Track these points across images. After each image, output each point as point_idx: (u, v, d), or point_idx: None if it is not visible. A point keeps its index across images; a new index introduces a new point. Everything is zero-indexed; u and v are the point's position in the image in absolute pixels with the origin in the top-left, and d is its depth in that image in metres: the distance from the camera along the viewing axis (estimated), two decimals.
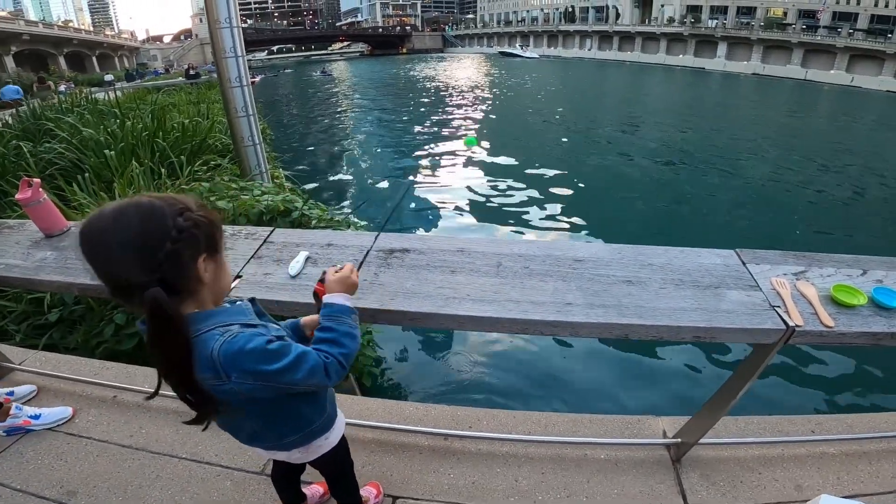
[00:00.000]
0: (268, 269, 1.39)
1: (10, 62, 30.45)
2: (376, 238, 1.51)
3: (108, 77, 30.82)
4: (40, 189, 1.67)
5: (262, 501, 1.54)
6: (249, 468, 1.65)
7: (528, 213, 8.54)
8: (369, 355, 2.96)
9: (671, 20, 51.22)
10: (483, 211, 8.66)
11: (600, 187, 10.18)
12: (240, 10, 4.94)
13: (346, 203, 9.46)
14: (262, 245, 1.51)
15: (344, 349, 0.95)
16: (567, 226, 7.89)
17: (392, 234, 1.56)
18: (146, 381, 1.99)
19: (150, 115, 6.26)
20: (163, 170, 4.58)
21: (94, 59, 43.67)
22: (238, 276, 1.34)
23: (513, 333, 1.25)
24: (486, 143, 13.83)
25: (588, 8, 66.82)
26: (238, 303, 0.94)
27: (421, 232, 7.73)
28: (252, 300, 0.97)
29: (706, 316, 1.18)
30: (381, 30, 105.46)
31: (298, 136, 16.69)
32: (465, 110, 21.30)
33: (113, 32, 70.07)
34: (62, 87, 14.58)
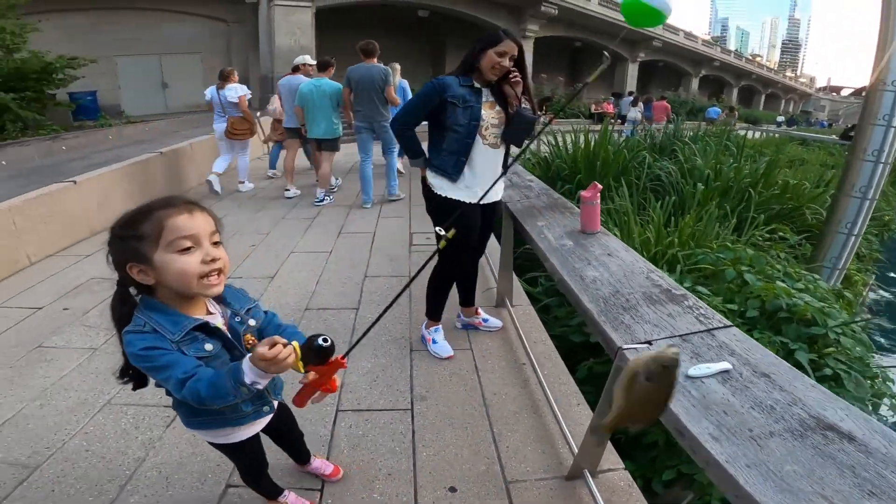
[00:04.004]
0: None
1: (694, 84, 33.24)
2: (828, 405, 1.07)
3: (780, 118, 31.59)
4: (598, 195, 2.15)
5: None
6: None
7: None
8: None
9: None
10: None
11: None
12: None
13: None
14: (700, 332, 1.32)
15: (201, 388, 0.95)
16: None
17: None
18: None
19: (766, 164, 6.26)
20: (733, 220, 4.60)
21: (762, 96, 44.29)
22: (647, 343, 1.27)
23: None
24: None
25: None
26: (188, 321, 1.01)
27: None
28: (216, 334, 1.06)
29: None
30: None
31: None
32: None
33: (792, 74, 69.39)
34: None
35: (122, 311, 1.02)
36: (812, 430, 0.99)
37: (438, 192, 2.27)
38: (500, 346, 2.60)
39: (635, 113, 12.56)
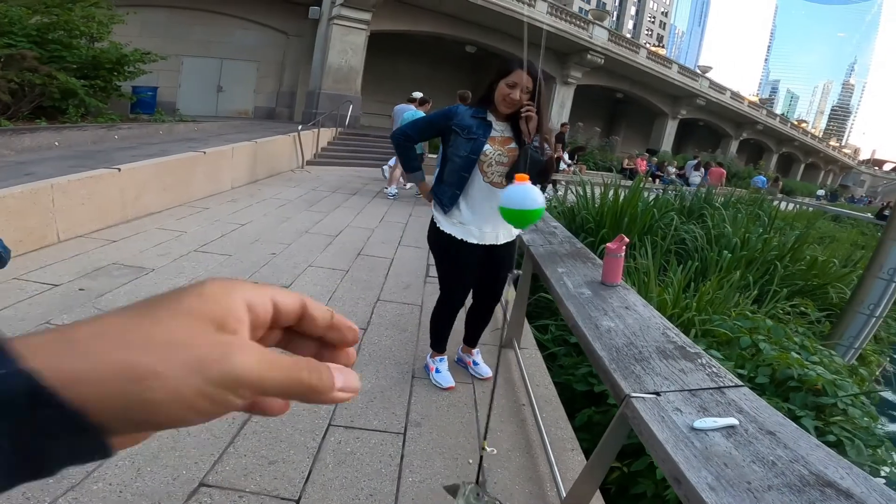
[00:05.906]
0: (684, 407, 1.24)
1: (733, 147, 31.23)
2: (830, 463, 1.09)
3: (820, 192, 30.80)
4: (623, 247, 2.10)
5: None
6: None
7: None
8: None
9: None
10: None
11: None
12: None
13: None
14: (711, 389, 1.33)
15: None
16: None
17: None
18: None
19: (794, 238, 6.14)
20: (754, 291, 4.52)
21: (801, 165, 41.82)
22: (656, 393, 1.27)
23: None
24: None
25: None
26: None
27: None
28: None
29: None
30: None
31: None
32: None
33: (836, 144, 65.30)
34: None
35: None
36: (811, 486, 1.02)
37: (435, 223, 2.25)
38: (502, 384, 2.59)
39: (696, 177, 12.66)
